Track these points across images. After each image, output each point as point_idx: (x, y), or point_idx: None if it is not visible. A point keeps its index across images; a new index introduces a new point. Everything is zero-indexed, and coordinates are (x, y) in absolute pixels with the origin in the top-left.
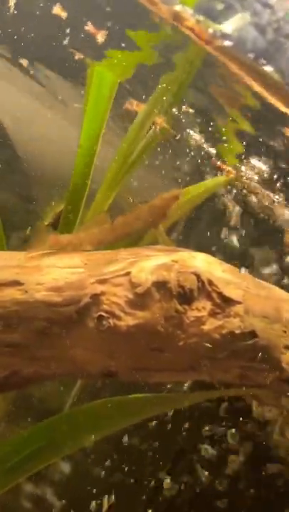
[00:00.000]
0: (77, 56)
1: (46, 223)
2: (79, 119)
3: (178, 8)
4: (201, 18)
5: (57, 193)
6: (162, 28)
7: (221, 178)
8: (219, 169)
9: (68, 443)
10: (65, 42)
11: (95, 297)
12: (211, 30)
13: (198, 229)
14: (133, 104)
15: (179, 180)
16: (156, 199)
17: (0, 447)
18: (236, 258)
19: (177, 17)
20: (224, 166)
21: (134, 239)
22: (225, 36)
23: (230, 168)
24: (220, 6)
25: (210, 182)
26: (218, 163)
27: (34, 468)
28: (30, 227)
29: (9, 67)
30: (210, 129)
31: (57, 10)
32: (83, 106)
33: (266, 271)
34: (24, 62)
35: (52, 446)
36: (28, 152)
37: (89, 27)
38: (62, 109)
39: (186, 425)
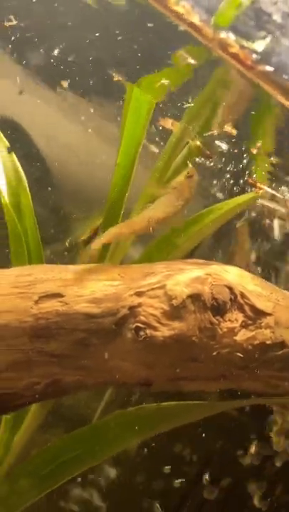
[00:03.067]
0: (116, 78)
1: (83, 238)
2: (111, 136)
3: (222, 35)
4: (232, 36)
5: (87, 207)
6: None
7: (251, 195)
8: (251, 186)
9: (104, 450)
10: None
11: (133, 309)
12: (254, 56)
13: (228, 243)
14: (168, 123)
15: (214, 196)
16: (178, 184)
17: (39, 454)
18: (265, 271)
19: (222, 44)
20: (255, 183)
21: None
22: (264, 61)
23: (260, 185)
24: (260, 33)
25: (240, 198)
26: (250, 180)
27: (71, 474)
28: (66, 241)
29: (40, 85)
30: (242, 147)
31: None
32: (121, 125)
33: None
34: (64, 83)
35: (89, 452)
36: (59, 168)
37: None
38: (93, 126)
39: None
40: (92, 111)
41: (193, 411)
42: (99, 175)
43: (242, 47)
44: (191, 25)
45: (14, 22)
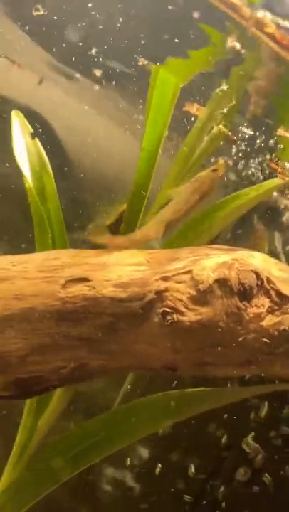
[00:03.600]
0: (141, 62)
1: (109, 223)
2: (132, 125)
3: (259, 14)
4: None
5: (107, 195)
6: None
7: (276, 181)
8: (276, 172)
9: (126, 435)
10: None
11: (159, 293)
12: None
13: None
14: (194, 108)
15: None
16: (198, 177)
17: (64, 439)
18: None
19: (258, 23)
20: (280, 169)
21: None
22: None
23: (286, 171)
24: None
25: (266, 184)
26: (274, 165)
27: (97, 458)
28: (88, 227)
29: (61, 76)
30: (267, 132)
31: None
32: (146, 108)
33: None
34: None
35: (114, 437)
36: (80, 158)
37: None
38: (114, 115)
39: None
40: (113, 99)
41: (217, 397)
42: (118, 163)
43: (278, 26)
44: (229, 4)
45: (41, 12)
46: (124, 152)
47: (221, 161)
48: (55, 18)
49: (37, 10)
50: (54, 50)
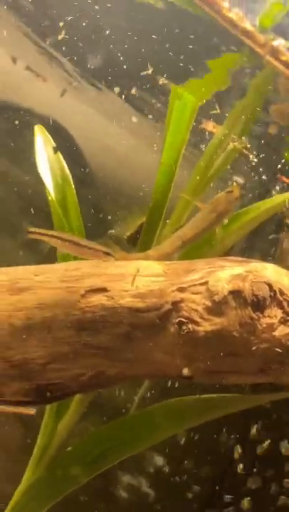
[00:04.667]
0: (161, 81)
1: (128, 234)
2: (151, 138)
3: (275, 43)
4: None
5: (126, 205)
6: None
7: (287, 195)
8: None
9: (144, 439)
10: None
11: (176, 304)
12: None
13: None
14: (210, 125)
15: (250, 195)
16: (215, 199)
17: (83, 442)
18: None
19: (274, 51)
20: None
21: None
22: None
23: None
24: None
25: (277, 198)
26: (285, 179)
27: (115, 461)
28: (107, 236)
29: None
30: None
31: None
32: (165, 125)
33: None
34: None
35: (129, 441)
36: (100, 169)
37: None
38: (133, 128)
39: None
40: (132, 113)
41: (232, 403)
42: (137, 175)
43: None
44: (243, 31)
45: (63, 33)
46: (144, 165)
47: (236, 184)
48: (78, 35)
49: (60, 34)
50: (77, 65)
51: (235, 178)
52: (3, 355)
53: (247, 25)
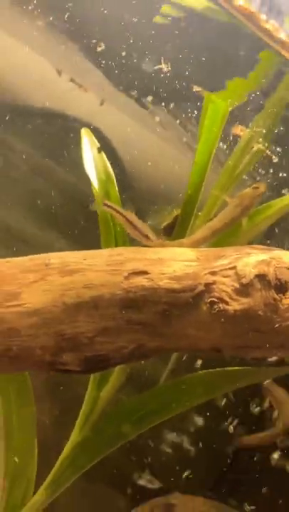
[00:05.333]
0: (195, 89)
1: (164, 225)
2: (182, 142)
3: None
4: None
5: (159, 203)
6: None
7: None
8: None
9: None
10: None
11: (208, 286)
12: None
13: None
14: (238, 129)
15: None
16: (241, 193)
17: (122, 408)
18: None
19: None
20: None
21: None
22: None
23: None
24: None
25: None
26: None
27: (149, 425)
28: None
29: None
30: None
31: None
32: (199, 128)
33: None
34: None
35: (163, 408)
36: (136, 170)
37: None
38: (166, 134)
39: None
40: (163, 120)
41: (254, 375)
42: (169, 176)
43: None
44: (279, 41)
45: (103, 47)
46: (174, 166)
47: (261, 183)
48: (116, 48)
49: (100, 47)
50: (114, 76)
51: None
52: (57, 330)
53: (282, 35)
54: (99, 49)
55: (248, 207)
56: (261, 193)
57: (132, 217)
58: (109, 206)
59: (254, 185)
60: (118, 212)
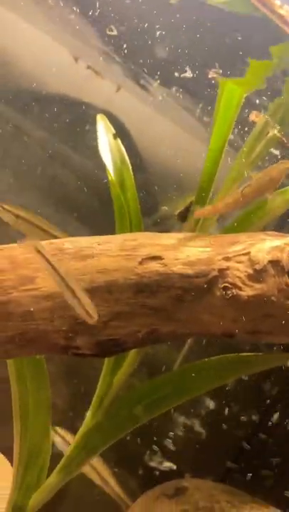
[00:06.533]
0: (210, 75)
1: (178, 211)
2: (196, 129)
3: None
4: None
5: (173, 188)
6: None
7: None
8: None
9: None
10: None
11: (222, 271)
12: None
13: None
14: (253, 115)
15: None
16: (270, 167)
17: (136, 392)
18: None
19: None
20: None
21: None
22: None
23: None
24: None
25: None
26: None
27: (163, 410)
28: (157, 215)
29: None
30: None
31: None
32: (214, 114)
33: None
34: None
35: (177, 392)
36: (150, 156)
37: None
38: (180, 120)
39: None
40: (179, 107)
41: (266, 361)
42: (183, 161)
43: None
44: None
45: (115, 32)
46: (188, 152)
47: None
48: (132, 35)
49: (110, 30)
50: (130, 63)
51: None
52: (71, 313)
53: None
54: (115, 35)
55: (275, 179)
56: (288, 168)
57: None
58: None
59: (281, 161)
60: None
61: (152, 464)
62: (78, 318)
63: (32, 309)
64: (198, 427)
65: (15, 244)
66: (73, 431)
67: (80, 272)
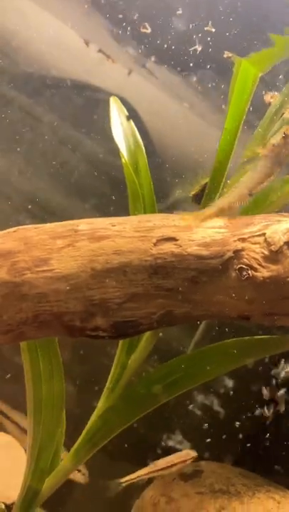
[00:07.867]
0: (226, 55)
1: (193, 193)
2: (207, 112)
3: None
4: None
5: (186, 171)
6: None
7: None
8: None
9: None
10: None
11: (237, 252)
12: None
13: None
14: (268, 95)
15: None
16: (271, 142)
17: (150, 375)
18: None
19: None
20: None
21: None
22: None
23: None
24: None
25: None
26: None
27: (176, 393)
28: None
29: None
30: None
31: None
32: (228, 94)
33: None
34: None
35: (190, 376)
36: (162, 139)
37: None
38: (192, 103)
39: None
40: (191, 91)
41: (282, 343)
42: (195, 144)
43: None
44: None
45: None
46: (201, 135)
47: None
48: (144, 20)
49: (144, 28)
50: (142, 47)
51: None
52: (85, 295)
53: None
54: (127, 19)
55: (285, 157)
56: None
57: None
58: None
59: (284, 134)
60: None
61: (170, 442)
62: (93, 299)
63: (46, 291)
64: (216, 406)
65: (30, 226)
66: (87, 415)
67: (94, 253)
